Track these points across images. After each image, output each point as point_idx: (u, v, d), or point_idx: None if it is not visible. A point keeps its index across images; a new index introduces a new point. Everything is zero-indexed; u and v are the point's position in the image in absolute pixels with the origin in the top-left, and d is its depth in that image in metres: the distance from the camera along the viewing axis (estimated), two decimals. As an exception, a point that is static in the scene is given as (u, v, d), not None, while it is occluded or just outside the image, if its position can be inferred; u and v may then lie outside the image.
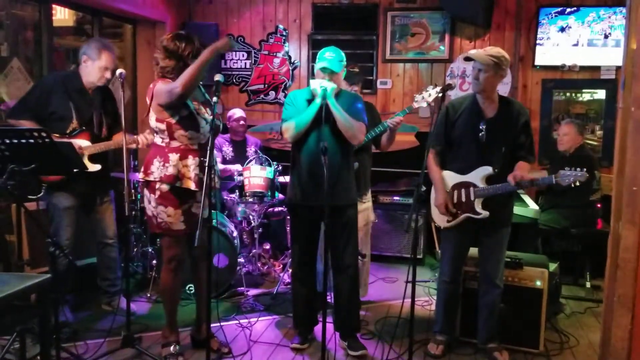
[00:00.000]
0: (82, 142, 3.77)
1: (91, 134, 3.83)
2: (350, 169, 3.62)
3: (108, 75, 3.81)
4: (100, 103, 3.91)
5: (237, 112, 5.46)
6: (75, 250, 3.91)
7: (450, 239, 3.59)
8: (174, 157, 3.24)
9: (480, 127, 3.39)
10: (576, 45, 5.70)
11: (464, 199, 3.44)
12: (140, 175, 3.34)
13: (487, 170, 3.38)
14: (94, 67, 3.77)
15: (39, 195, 3.82)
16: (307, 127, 3.43)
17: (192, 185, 3.24)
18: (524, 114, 3.43)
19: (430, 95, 3.77)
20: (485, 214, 3.37)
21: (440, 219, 3.55)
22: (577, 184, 3.21)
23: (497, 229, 3.47)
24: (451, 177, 3.51)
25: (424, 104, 3.80)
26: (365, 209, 4.24)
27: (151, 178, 3.26)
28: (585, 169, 3.23)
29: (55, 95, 3.72)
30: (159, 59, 3.26)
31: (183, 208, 3.29)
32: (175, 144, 3.26)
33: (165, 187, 3.24)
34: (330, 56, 3.50)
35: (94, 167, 3.80)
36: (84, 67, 3.80)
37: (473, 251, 3.65)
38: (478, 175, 3.40)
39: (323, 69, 3.48)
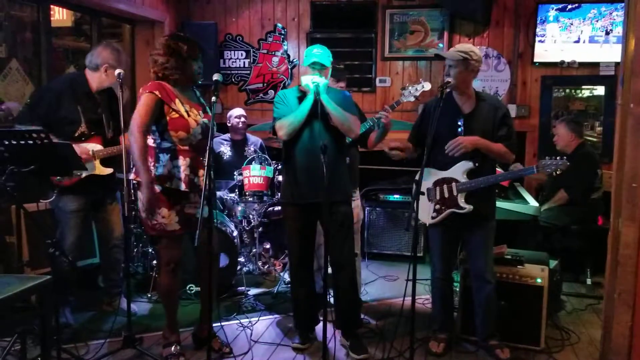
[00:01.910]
0: (94, 146, 3.78)
1: (103, 138, 3.83)
2: (344, 165, 3.63)
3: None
4: (106, 105, 3.91)
5: (237, 110, 5.45)
6: (78, 251, 3.90)
7: (437, 235, 3.60)
8: (164, 157, 3.24)
9: (459, 123, 3.41)
10: (577, 42, 5.69)
11: (446, 195, 3.45)
12: (131, 177, 3.33)
13: (468, 164, 3.39)
14: (114, 75, 3.75)
15: (50, 200, 3.82)
16: (301, 123, 3.43)
17: (182, 186, 3.24)
18: (501, 107, 3.47)
19: (417, 89, 3.77)
20: (469, 207, 3.38)
21: (425, 216, 3.56)
22: (558, 172, 3.24)
23: (481, 225, 3.48)
24: (432, 174, 3.52)
25: (412, 98, 3.79)
26: (355, 206, 4.23)
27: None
28: (565, 158, 3.26)
29: (65, 99, 3.71)
30: (158, 57, 3.25)
31: (176, 209, 3.28)
32: (165, 144, 3.26)
33: (156, 188, 3.23)
34: (319, 52, 3.50)
35: (106, 171, 3.81)
36: (99, 74, 3.77)
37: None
38: (459, 170, 3.41)
39: (313, 64, 3.48)
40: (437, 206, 3.49)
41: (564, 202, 4.94)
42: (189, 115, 3.25)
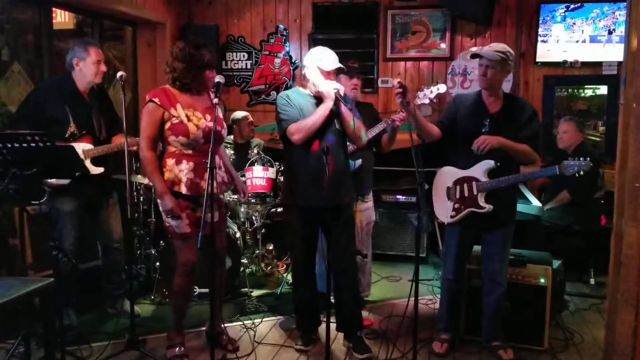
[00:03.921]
0: (84, 146, 3.77)
1: (93, 137, 3.83)
2: (348, 169, 3.64)
3: (103, 67, 3.80)
4: (97, 105, 3.91)
5: (241, 113, 5.45)
6: (78, 253, 3.90)
7: (454, 235, 3.58)
8: (170, 162, 3.30)
9: (484, 123, 3.40)
10: (579, 41, 5.68)
11: (466, 194, 3.44)
12: (145, 181, 3.38)
13: (490, 164, 3.37)
14: (87, 65, 3.75)
15: (42, 201, 3.82)
16: (318, 128, 3.40)
17: (184, 189, 3.28)
18: (528, 109, 3.45)
19: (432, 92, 3.76)
20: (489, 207, 3.36)
21: (443, 215, 3.55)
22: (582, 173, 3.20)
23: (500, 227, 3.46)
24: (453, 173, 3.51)
25: (426, 101, 3.79)
26: (367, 208, 4.25)
27: None
28: (588, 159, 3.22)
29: (51, 101, 3.70)
30: (174, 63, 3.29)
31: (186, 212, 3.31)
32: (171, 149, 3.32)
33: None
34: (336, 56, 3.48)
35: (96, 170, 3.80)
36: (77, 71, 3.77)
37: (477, 249, 3.65)
38: (481, 169, 3.39)
39: (337, 70, 3.45)
40: (457, 205, 3.47)
41: (567, 202, 4.93)
42: (189, 120, 3.26)
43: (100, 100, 3.93)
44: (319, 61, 3.44)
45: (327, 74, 3.43)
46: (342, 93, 3.40)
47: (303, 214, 3.56)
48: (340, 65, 3.46)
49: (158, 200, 3.37)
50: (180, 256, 3.41)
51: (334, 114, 3.44)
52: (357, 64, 4.28)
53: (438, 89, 3.68)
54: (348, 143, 3.85)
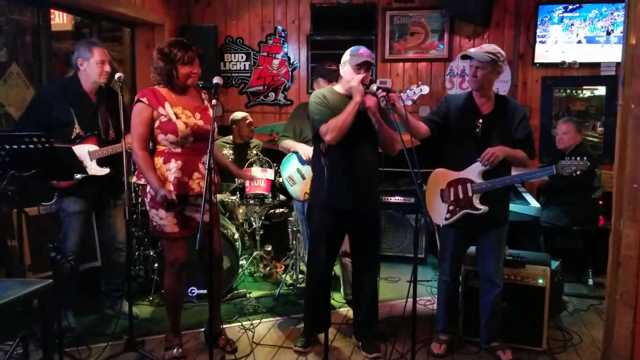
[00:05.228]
0: (90, 147, 3.77)
1: (98, 138, 3.83)
2: (378, 173, 3.62)
3: (107, 68, 3.80)
4: (104, 106, 3.90)
5: (241, 114, 5.46)
6: (80, 254, 3.90)
7: (449, 236, 3.58)
8: (158, 160, 3.30)
9: (477, 124, 3.40)
10: (577, 42, 5.69)
11: (461, 195, 3.43)
12: (143, 182, 3.37)
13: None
14: (91, 65, 3.75)
15: (51, 202, 3.82)
16: (349, 127, 3.33)
17: (170, 188, 3.26)
18: (520, 110, 3.45)
19: (414, 93, 3.77)
20: (485, 208, 3.36)
21: (437, 217, 3.55)
22: (578, 172, 3.19)
23: (494, 227, 3.47)
24: (446, 175, 3.51)
25: (409, 102, 3.79)
26: None
27: (142, 181, 3.35)
28: (585, 158, 3.22)
29: (56, 103, 3.70)
30: (153, 62, 3.33)
31: (175, 210, 3.31)
32: (160, 148, 3.33)
33: (152, 190, 3.28)
34: (368, 51, 3.46)
35: (102, 171, 3.80)
36: (82, 71, 3.78)
37: (473, 250, 3.65)
38: (474, 171, 3.40)
39: (364, 64, 3.42)
40: (451, 207, 3.47)
41: (545, 185, 4.99)
42: (178, 118, 3.26)
43: (107, 100, 3.93)
44: (351, 57, 3.45)
45: (357, 69, 3.41)
46: (373, 86, 3.32)
47: (335, 216, 3.46)
48: (368, 59, 3.42)
49: (146, 198, 3.36)
50: (168, 256, 3.41)
51: (365, 114, 3.38)
52: (335, 66, 4.28)
53: (421, 90, 3.68)
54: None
